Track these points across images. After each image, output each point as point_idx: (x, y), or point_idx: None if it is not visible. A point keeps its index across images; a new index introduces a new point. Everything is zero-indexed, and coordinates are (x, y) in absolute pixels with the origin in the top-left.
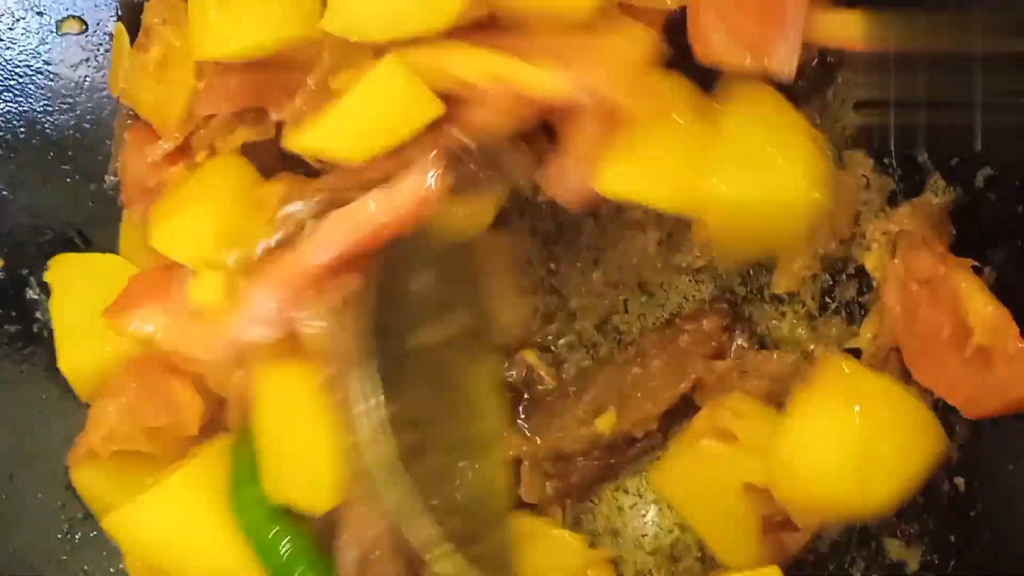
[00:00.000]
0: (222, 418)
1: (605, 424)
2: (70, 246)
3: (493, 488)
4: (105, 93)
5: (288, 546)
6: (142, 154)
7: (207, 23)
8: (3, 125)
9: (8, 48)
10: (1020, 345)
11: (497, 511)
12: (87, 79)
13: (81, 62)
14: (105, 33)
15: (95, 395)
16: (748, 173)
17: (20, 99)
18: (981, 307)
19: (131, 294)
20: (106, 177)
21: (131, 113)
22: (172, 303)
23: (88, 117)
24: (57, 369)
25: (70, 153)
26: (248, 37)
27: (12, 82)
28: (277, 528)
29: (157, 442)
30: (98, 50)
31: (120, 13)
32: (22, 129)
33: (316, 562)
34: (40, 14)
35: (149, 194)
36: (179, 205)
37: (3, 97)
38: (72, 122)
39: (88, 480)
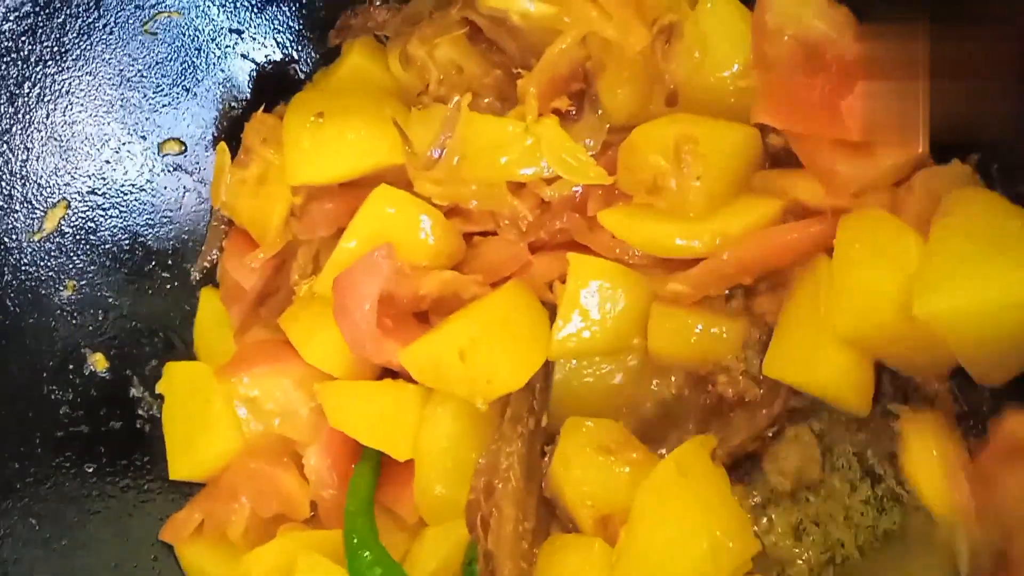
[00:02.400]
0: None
1: None
2: (169, 347)
3: None
4: (202, 207)
5: None
6: (242, 262)
7: (301, 152)
8: (110, 239)
9: (115, 170)
10: None
11: None
12: (186, 195)
13: (180, 180)
14: (202, 154)
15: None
16: (970, 280)
17: (125, 215)
18: None
19: (244, 357)
20: (192, 272)
21: (225, 219)
22: (280, 367)
23: (186, 230)
24: (159, 462)
25: (169, 263)
26: (339, 165)
27: (117, 200)
28: None
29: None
30: (196, 169)
31: (221, 131)
32: (126, 242)
33: None
34: (144, 138)
35: (246, 296)
36: (323, 322)
37: (110, 214)
38: (172, 235)
39: (194, 558)
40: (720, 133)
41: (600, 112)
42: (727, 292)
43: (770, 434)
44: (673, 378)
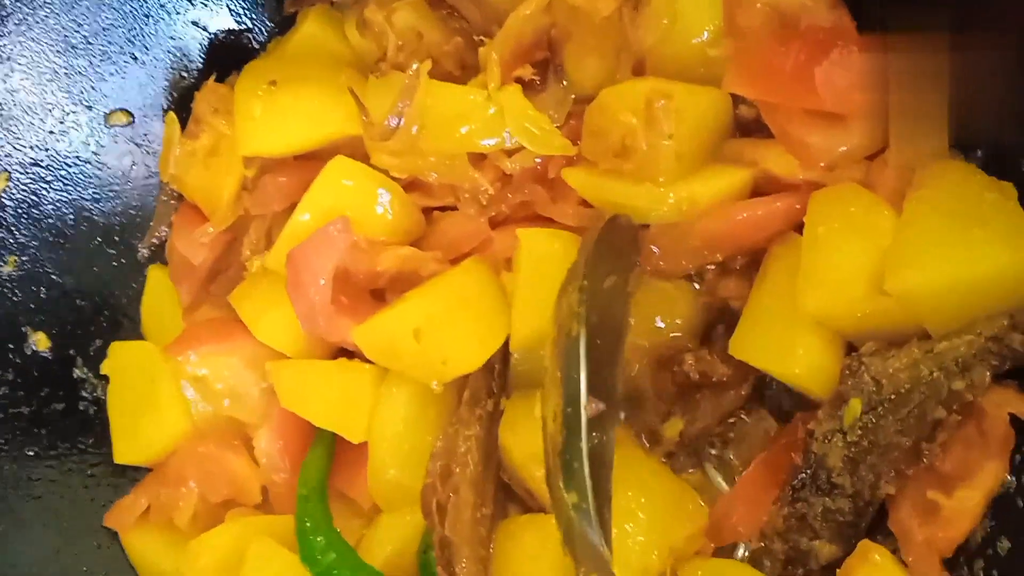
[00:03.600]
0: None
1: None
2: (115, 326)
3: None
4: (150, 181)
5: None
6: (191, 236)
7: (252, 120)
8: (53, 213)
9: (59, 140)
10: None
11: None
12: (133, 168)
13: (128, 152)
14: (151, 124)
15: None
16: (944, 254)
17: (70, 188)
18: None
19: (192, 335)
20: (140, 249)
21: (174, 195)
22: (230, 345)
23: (134, 204)
24: (103, 445)
25: (116, 239)
26: (292, 135)
27: (62, 172)
28: (349, 568)
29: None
30: (144, 140)
31: (171, 103)
32: (71, 216)
33: None
34: (89, 108)
35: (196, 273)
36: (276, 299)
37: (54, 187)
38: (119, 209)
39: (140, 545)
40: (693, 92)
41: (565, 82)
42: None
43: (732, 420)
44: (636, 361)
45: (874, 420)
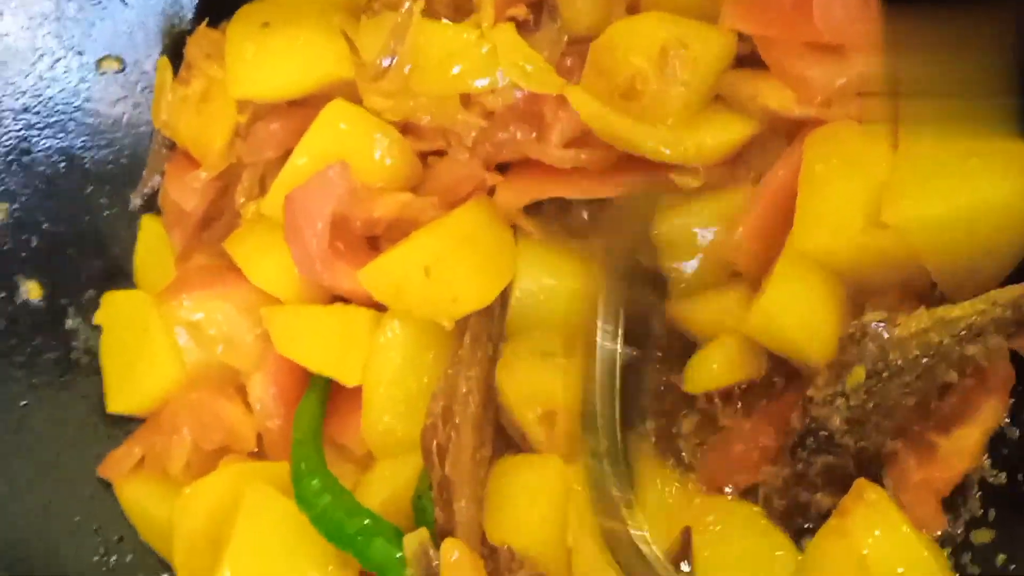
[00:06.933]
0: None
1: None
2: (108, 276)
3: None
4: (143, 129)
5: (364, 522)
6: (183, 182)
7: (244, 62)
8: (44, 160)
9: (49, 87)
10: None
11: None
12: (125, 115)
13: (119, 99)
14: (142, 71)
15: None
16: (942, 184)
17: (61, 136)
18: None
19: (186, 280)
20: (131, 198)
21: (167, 143)
22: (224, 290)
23: (126, 152)
24: (96, 396)
25: (108, 187)
26: (284, 76)
27: (53, 119)
28: (345, 511)
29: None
30: (136, 87)
31: (163, 49)
32: (63, 164)
33: (390, 533)
34: (80, 54)
35: (188, 219)
36: (271, 244)
37: (44, 134)
38: (111, 157)
39: (133, 495)
40: (705, 37)
41: (559, 23)
42: None
43: None
44: None
45: (878, 384)
